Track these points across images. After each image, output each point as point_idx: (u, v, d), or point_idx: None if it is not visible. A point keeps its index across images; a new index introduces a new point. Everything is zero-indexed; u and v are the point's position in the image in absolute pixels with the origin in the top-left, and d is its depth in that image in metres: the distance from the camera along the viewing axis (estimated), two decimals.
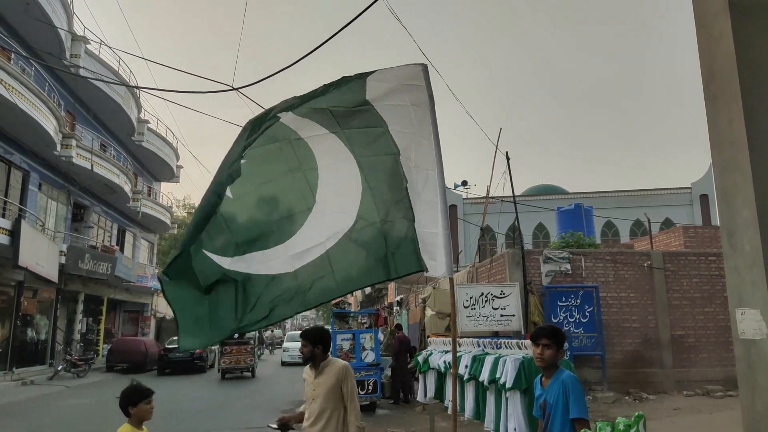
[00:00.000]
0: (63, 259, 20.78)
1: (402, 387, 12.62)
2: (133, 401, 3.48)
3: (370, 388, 11.20)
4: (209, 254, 3.73)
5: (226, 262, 3.76)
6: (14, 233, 17.16)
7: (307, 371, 4.16)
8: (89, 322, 26.93)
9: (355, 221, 3.95)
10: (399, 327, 14.40)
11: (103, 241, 27.56)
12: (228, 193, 3.82)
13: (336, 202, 3.99)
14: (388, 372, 12.92)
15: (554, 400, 3.27)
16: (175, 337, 26.27)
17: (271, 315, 3.82)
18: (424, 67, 4.15)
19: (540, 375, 3.55)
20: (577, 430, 3.17)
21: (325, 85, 4.00)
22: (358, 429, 3.90)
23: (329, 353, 4.23)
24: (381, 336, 12.87)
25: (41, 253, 18.91)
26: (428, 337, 12.01)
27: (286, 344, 28.06)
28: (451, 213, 31.48)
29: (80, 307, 25.14)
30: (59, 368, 19.90)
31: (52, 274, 19.84)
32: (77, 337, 24.79)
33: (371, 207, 3.99)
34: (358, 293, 27.62)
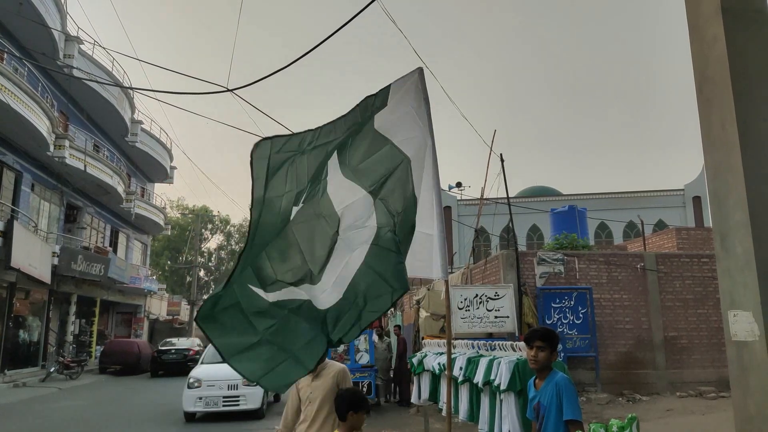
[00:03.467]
0: (56, 260, 20.68)
1: (399, 388, 12.62)
2: (356, 407, 3.40)
3: (365, 389, 11.20)
4: (254, 288, 3.67)
5: (271, 296, 3.70)
6: (6, 234, 17.06)
7: None
8: (82, 324, 26.80)
9: (378, 228, 3.96)
10: (399, 327, 14.33)
11: (96, 242, 27.43)
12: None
13: (354, 219, 3.99)
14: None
15: (548, 401, 3.28)
16: (170, 339, 26.31)
17: (352, 330, 3.75)
18: (420, 70, 4.16)
19: (534, 377, 3.56)
20: (571, 431, 3.19)
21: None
22: None
23: (325, 356, 4.23)
24: (375, 338, 12.83)
25: (34, 254, 18.81)
26: (422, 338, 12.01)
27: (199, 370, 12.08)
28: (446, 214, 31.54)
29: (73, 308, 25.02)
30: (51, 370, 19.79)
31: (45, 276, 19.74)
32: (70, 338, 24.65)
33: (385, 213, 4.00)
34: None
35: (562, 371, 3.52)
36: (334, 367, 4.07)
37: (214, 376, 11.34)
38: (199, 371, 12.05)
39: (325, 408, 3.91)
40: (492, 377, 6.57)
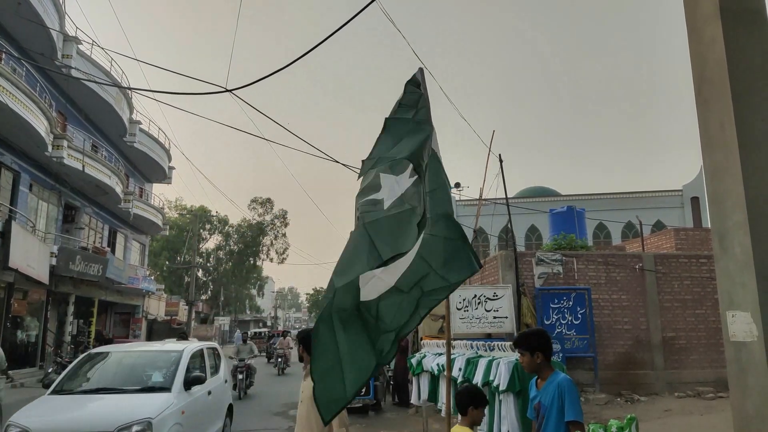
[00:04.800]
0: (54, 261, 20.63)
1: (397, 389, 12.61)
2: (477, 403, 3.58)
3: (363, 390, 11.18)
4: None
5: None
6: (4, 234, 17.02)
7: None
8: (80, 324, 26.75)
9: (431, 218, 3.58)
10: None
11: (94, 242, 27.38)
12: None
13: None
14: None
15: (549, 402, 3.28)
16: (168, 339, 26.25)
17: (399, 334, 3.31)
18: (420, 70, 4.19)
19: (536, 377, 3.56)
20: None
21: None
22: None
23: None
24: None
25: (32, 255, 18.77)
26: (421, 339, 12.02)
27: (33, 412, 6.60)
28: None
29: (71, 308, 24.95)
30: (49, 370, 19.72)
31: (43, 276, 19.70)
32: (68, 338, 24.59)
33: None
34: None
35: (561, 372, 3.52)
36: None
37: (57, 421, 6.12)
38: (30, 413, 6.50)
39: (311, 409, 3.87)
40: (491, 378, 6.58)
